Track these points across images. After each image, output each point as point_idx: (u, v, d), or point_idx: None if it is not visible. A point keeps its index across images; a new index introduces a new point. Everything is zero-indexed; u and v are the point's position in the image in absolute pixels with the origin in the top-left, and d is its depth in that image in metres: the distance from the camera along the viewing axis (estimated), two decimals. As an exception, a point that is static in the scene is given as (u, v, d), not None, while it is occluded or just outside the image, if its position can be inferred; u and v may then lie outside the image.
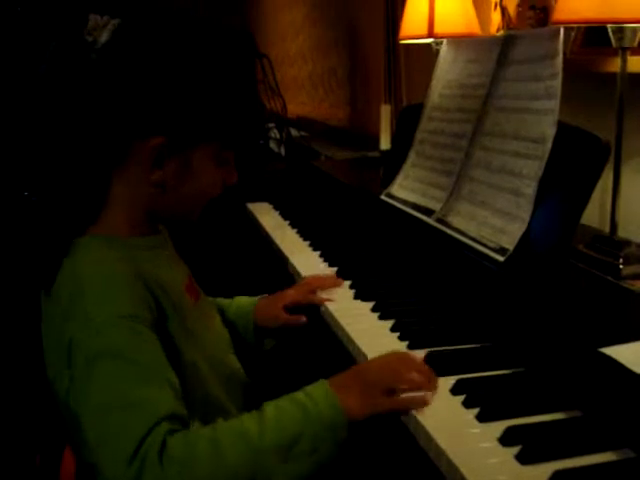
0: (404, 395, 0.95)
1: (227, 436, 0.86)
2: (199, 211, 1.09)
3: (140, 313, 0.92)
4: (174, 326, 1.01)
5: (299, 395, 0.93)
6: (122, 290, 0.92)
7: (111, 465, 0.81)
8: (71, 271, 0.95)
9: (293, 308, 1.34)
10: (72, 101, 1.01)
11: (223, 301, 1.37)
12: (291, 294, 1.37)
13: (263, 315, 1.34)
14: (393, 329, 1.19)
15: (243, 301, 1.38)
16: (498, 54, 1.41)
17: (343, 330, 1.22)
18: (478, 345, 1.13)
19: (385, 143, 2.51)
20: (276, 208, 2.29)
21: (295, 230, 1.97)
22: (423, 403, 0.94)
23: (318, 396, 0.92)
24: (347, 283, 1.44)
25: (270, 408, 0.91)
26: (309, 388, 0.94)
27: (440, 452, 0.84)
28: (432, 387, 0.97)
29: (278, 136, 3.10)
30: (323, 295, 1.37)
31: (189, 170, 1.00)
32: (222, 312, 1.33)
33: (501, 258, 1.19)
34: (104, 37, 0.99)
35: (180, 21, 1.02)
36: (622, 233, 1.21)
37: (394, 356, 1.02)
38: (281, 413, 0.90)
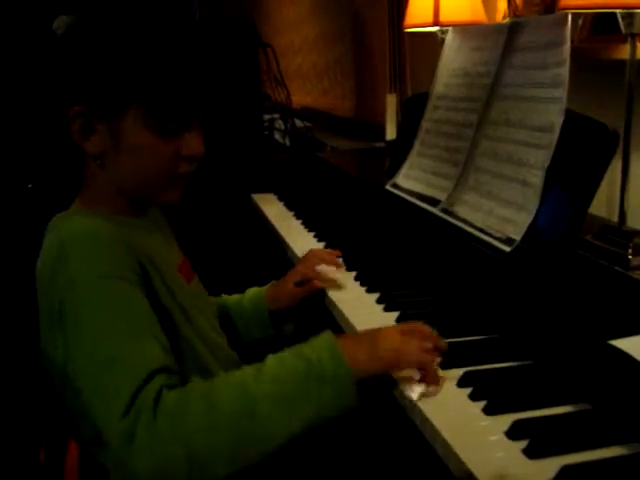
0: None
1: (224, 389, 0.86)
2: (170, 189, 1.06)
3: (125, 273, 0.93)
4: (163, 296, 1.01)
5: (303, 347, 0.93)
6: (106, 251, 0.94)
7: (105, 420, 0.83)
8: (56, 240, 0.96)
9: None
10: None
11: (234, 297, 1.38)
12: (298, 270, 1.38)
13: (276, 298, 1.34)
14: (399, 321, 1.18)
15: (253, 291, 1.38)
16: (504, 42, 1.39)
17: (348, 322, 1.21)
18: (485, 337, 1.11)
19: (391, 133, 2.49)
20: (281, 199, 2.28)
21: (300, 221, 1.96)
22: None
23: (321, 348, 0.92)
24: (352, 274, 1.42)
25: (271, 360, 0.91)
26: (314, 340, 0.94)
27: (447, 446, 0.83)
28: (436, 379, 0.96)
29: (283, 127, 3.10)
30: (325, 269, 1.39)
31: (121, 139, 0.99)
32: (234, 306, 1.34)
33: (508, 248, 1.18)
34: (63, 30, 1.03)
35: (116, 5, 1.03)
36: (631, 223, 1.19)
37: (407, 329, 0.99)
38: (282, 365, 0.90)
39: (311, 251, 1.46)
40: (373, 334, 0.98)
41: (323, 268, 1.39)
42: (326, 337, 0.94)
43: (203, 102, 1.04)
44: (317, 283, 1.34)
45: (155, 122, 0.99)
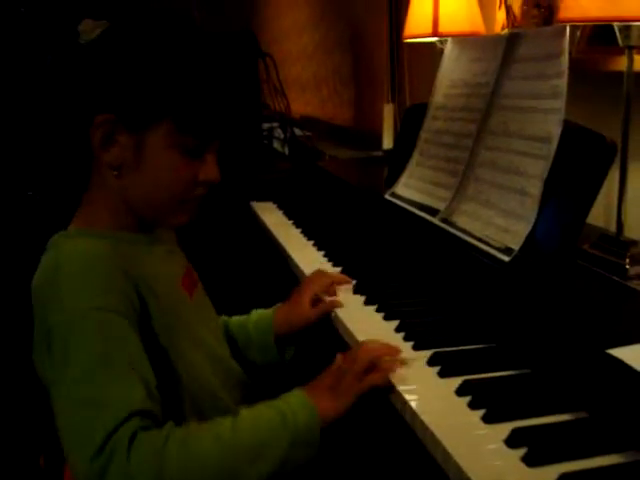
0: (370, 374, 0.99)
1: (199, 436, 0.87)
2: (180, 213, 1.05)
3: (117, 305, 0.92)
4: (160, 323, 1.00)
5: (276, 401, 0.95)
6: (100, 281, 0.92)
7: (77, 458, 0.83)
8: (53, 262, 0.95)
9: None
10: (59, 90, 1.03)
11: (236, 320, 1.33)
12: (309, 289, 1.32)
13: (290, 320, 1.29)
14: (398, 330, 1.19)
15: (260, 316, 1.32)
16: (503, 53, 1.41)
17: (347, 329, 1.22)
18: (484, 346, 1.12)
19: (388, 142, 2.50)
20: (280, 207, 2.28)
21: (299, 230, 1.96)
22: (392, 369, 1.00)
23: (294, 401, 0.94)
24: (352, 283, 1.43)
25: (246, 412, 0.93)
26: (287, 395, 0.96)
27: (446, 454, 0.84)
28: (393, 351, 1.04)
29: (282, 136, 3.11)
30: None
31: (143, 153, 0.98)
32: (237, 329, 1.30)
33: (506, 258, 1.18)
34: (91, 36, 1.01)
35: (151, 15, 1.02)
36: (628, 233, 1.20)
37: (349, 353, 1.05)
38: (256, 416, 0.92)
39: (316, 273, 1.40)
40: (327, 379, 1.00)
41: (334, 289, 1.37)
42: (298, 392, 0.97)
43: (227, 125, 1.03)
44: (333, 302, 1.31)
45: (181, 140, 0.98)
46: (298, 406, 0.93)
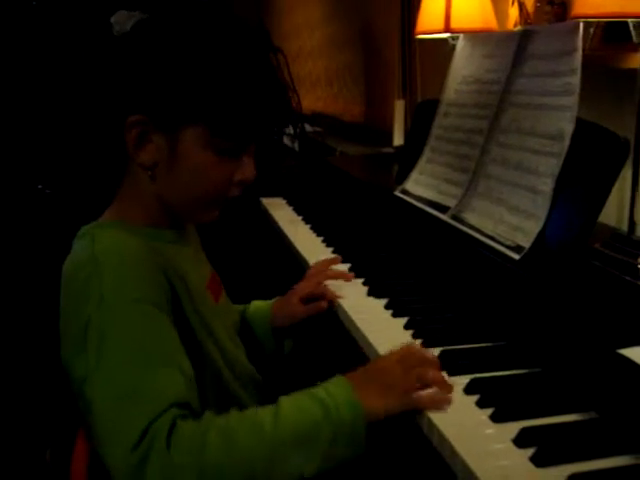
0: (424, 393, 0.93)
1: (240, 426, 0.85)
2: (212, 209, 1.05)
3: (155, 297, 0.92)
4: (191, 317, 1.00)
5: (319, 392, 0.91)
6: (139, 274, 0.92)
7: (115, 449, 0.82)
8: (89, 253, 0.94)
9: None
10: (90, 84, 1.03)
11: (238, 307, 1.35)
12: (303, 286, 1.35)
13: (281, 315, 1.32)
14: (407, 326, 1.18)
15: (259, 305, 1.36)
16: (515, 49, 1.40)
17: (356, 327, 1.21)
18: (493, 344, 1.11)
19: (398, 139, 2.50)
20: (290, 203, 2.28)
21: (309, 226, 1.96)
22: (444, 403, 0.92)
23: (339, 395, 0.90)
24: (360, 280, 1.42)
25: (287, 403, 0.89)
26: (329, 386, 0.92)
27: (454, 453, 0.83)
28: (447, 387, 0.95)
29: (292, 131, 3.10)
30: (332, 284, 1.36)
31: (177, 153, 0.96)
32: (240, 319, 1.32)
33: (517, 256, 1.18)
34: (124, 28, 0.99)
35: (184, 9, 1.00)
36: (640, 232, 1.19)
37: (407, 352, 0.99)
38: (299, 408, 0.88)
39: (314, 267, 1.45)
40: (380, 375, 0.94)
41: (332, 283, 1.37)
42: (343, 384, 0.92)
43: (263, 129, 1.02)
44: (324, 304, 1.31)
45: (217, 141, 0.96)
46: (342, 401, 0.89)
